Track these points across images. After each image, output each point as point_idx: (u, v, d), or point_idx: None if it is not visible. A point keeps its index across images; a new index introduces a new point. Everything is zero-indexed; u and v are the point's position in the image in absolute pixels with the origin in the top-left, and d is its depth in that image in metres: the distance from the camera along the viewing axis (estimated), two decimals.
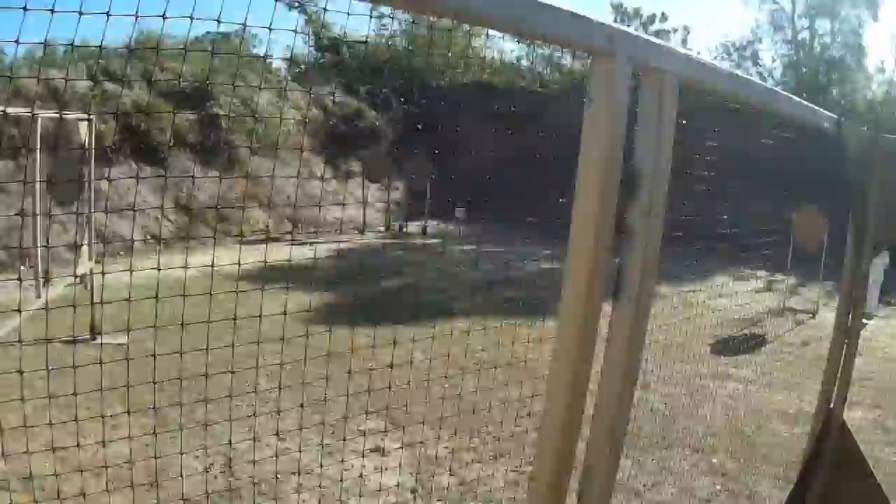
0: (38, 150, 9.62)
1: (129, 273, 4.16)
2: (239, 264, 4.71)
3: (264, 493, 6.16)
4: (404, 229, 23.90)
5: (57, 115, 10.48)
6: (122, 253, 15.95)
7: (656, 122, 1.78)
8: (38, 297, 9.44)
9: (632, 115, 1.75)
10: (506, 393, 6.43)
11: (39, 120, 9.44)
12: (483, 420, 6.77)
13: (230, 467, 6.74)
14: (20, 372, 4.54)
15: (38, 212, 9.66)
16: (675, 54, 1.86)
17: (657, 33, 34.80)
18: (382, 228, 23.91)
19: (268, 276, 4.94)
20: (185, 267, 4.31)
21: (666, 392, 8.60)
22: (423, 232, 23.12)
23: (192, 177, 19.36)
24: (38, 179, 9.67)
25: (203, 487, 5.77)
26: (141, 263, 5.33)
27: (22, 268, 10.15)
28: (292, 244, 17.24)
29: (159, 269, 4.74)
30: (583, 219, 1.69)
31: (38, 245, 10.58)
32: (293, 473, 6.40)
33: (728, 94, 2.17)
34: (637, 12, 37.44)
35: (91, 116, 9.97)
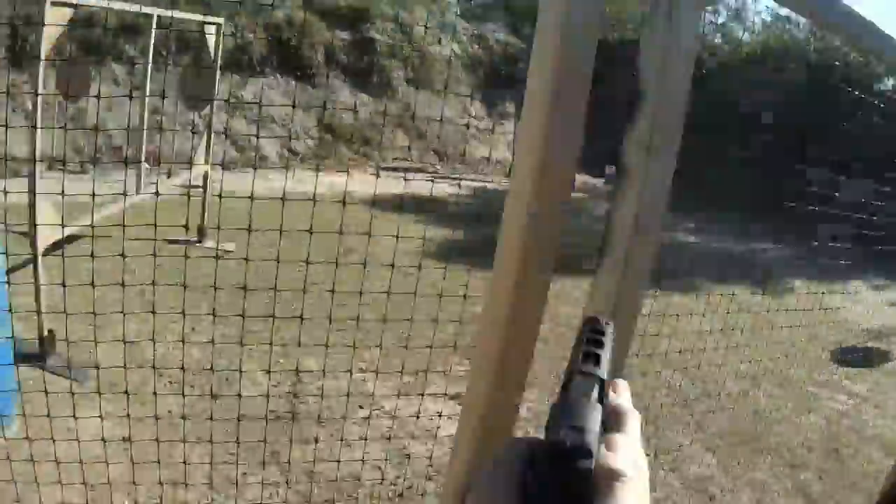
0: (151, 52, 9.54)
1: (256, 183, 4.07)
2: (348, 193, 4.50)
3: (323, 423, 6.00)
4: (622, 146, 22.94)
5: (182, 17, 10.38)
6: (255, 165, 16.01)
7: (665, 13, 1.25)
8: (138, 192, 9.43)
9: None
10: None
11: (155, 19, 9.34)
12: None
13: (294, 393, 6.62)
14: (122, 255, 4.51)
15: (145, 113, 9.62)
16: None
17: None
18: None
19: (404, 205, 4.72)
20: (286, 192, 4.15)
21: (773, 393, 8.21)
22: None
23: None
24: (147, 82, 9.62)
25: (263, 406, 5.66)
26: (276, 176, 5.26)
27: (145, 164, 10.16)
28: (434, 178, 17.10)
29: (284, 199, 4.61)
30: (518, 181, 1.20)
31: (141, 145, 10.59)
32: (360, 407, 6.26)
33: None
34: None
35: (219, 21, 9.88)
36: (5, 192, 4.56)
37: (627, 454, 0.74)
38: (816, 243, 7.83)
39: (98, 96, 6.29)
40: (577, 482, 0.67)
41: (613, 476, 0.70)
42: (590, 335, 0.87)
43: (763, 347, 7.31)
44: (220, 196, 4.49)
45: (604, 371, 0.81)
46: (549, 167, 1.16)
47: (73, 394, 4.52)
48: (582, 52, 1.15)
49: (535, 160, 1.15)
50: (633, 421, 0.81)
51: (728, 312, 6.92)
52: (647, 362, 6.78)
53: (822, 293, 9.05)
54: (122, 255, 4.55)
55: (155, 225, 4.36)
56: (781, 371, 8.38)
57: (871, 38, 1.93)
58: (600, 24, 1.14)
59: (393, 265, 4.20)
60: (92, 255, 4.47)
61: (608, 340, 0.86)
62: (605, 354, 0.84)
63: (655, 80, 1.27)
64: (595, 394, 0.77)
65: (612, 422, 0.79)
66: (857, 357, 10.41)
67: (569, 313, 7.49)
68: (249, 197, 4.23)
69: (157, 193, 6.42)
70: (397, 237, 4.31)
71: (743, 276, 11.70)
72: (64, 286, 4.56)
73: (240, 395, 4.74)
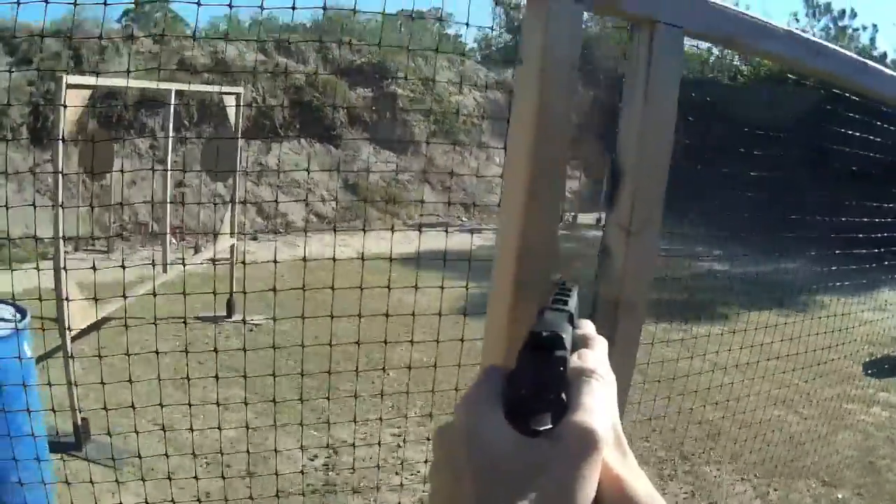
0: (171, 127, 9.57)
1: (282, 251, 4.03)
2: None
3: (359, 491, 5.94)
4: (576, 220, 23.21)
5: (201, 89, 10.44)
6: (281, 231, 16.04)
7: (642, 92, 1.23)
8: (164, 271, 9.42)
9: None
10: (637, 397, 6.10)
11: (174, 94, 9.37)
12: None
13: (330, 465, 6.56)
14: (155, 350, 4.49)
15: (167, 193, 9.63)
16: None
17: (842, 29, 33.51)
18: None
19: (430, 262, 4.70)
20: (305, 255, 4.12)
21: (807, 414, 8.13)
22: (597, 223, 22.49)
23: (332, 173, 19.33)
24: (168, 155, 9.64)
25: (301, 480, 5.61)
26: (302, 242, 5.25)
27: (171, 240, 10.17)
28: (460, 230, 17.09)
29: (305, 260, 4.57)
30: (504, 243, 1.20)
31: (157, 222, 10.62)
32: (396, 473, 6.19)
33: (759, 52, 1.65)
34: (828, 7, 35.98)
35: (238, 90, 9.90)
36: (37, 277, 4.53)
37: (597, 361, 0.82)
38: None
39: (122, 171, 6.31)
40: (554, 370, 0.75)
41: (585, 372, 0.78)
42: (558, 290, 0.96)
43: (795, 369, 7.24)
44: (243, 263, 4.44)
45: (571, 308, 0.89)
46: (533, 211, 1.16)
47: (117, 482, 4.47)
48: (559, 103, 1.14)
49: (522, 197, 1.16)
50: (601, 343, 0.89)
51: (761, 342, 6.85)
52: (678, 396, 6.70)
53: (851, 307, 8.98)
54: (155, 350, 4.51)
55: (185, 301, 4.33)
56: (816, 391, 8.35)
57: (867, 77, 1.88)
58: (574, 76, 1.14)
59: (438, 337, 4.15)
60: (127, 353, 4.42)
61: (574, 294, 0.96)
62: (573, 300, 0.93)
63: (635, 159, 1.26)
64: (565, 320, 0.84)
65: (582, 343, 0.87)
66: (889, 367, 10.41)
67: None
68: (273, 261, 4.16)
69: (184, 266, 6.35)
70: (441, 298, 4.26)
71: (772, 299, 11.67)
72: (102, 381, 4.52)
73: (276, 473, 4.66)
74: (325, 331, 4.47)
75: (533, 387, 0.75)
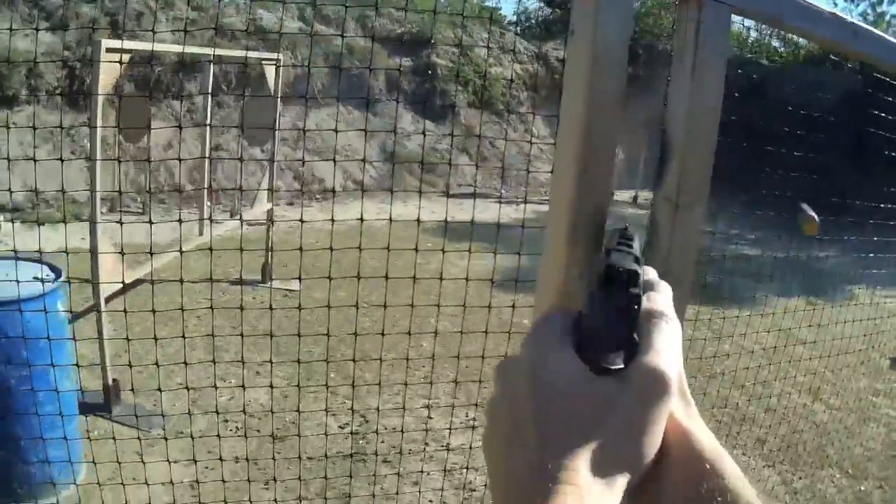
0: (210, 92, 9.56)
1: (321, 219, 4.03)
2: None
3: (389, 461, 5.92)
4: (614, 196, 22.96)
5: (240, 54, 10.39)
6: (318, 197, 16.05)
7: (689, 69, 1.21)
8: (200, 233, 9.42)
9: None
10: None
11: (213, 58, 9.34)
12: None
13: (355, 432, 6.54)
14: (182, 310, 4.48)
15: (206, 150, 9.60)
16: None
17: (881, 15, 33.15)
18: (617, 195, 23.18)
19: (467, 232, 4.67)
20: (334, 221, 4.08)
21: (834, 405, 8.06)
22: (633, 201, 22.43)
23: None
24: (208, 121, 9.62)
25: (330, 446, 5.59)
26: (340, 208, 5.24)
27: (207, 203, 10.16)
28: (500, 201, 17.01)
29: (332, 221, 4.54)
30: (555, 215, 1.17)
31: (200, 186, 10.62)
32: (426, 444, 6.15)
33: (804, 32, 1.62)
34: None
35: (278, 56, 9.86)
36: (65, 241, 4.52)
37: (665, 304, 0.81)
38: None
39: (149, 127, 6.26)
40: (629, 307, 0.74)
41: (655, 314, 0.77)
42: (620, 236, 0.92)
43: (823, 358, 7.20)
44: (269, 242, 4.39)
45: (637, 252, 0.85)
46: (587, 174, 1.14)
47: (140, 452, 4.46)
48: (612, 76, 1.13)
49: (573, 174, 1.14)
50: (667, 288, 0.88)
51: (789, 327, 6.81)
52: (708, 382, 6.68)
53: (883, 299, 8.87)
54: (181, 309, 4.49)
55: (210, 272, 4.30)
56: (843, 382, 8.35)
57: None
58: (625, 51, 1.13)
59: (464, 304, 4.10)
60: (153, 311, 4.39)
61: (637, 240, 0.92)
62: (636, 245, 0.89)
63: (682, 135, 1.24)
64: (634, 261, 0.80)
65: (648, 288, 0.84)
66: None
67: None
68: (300, 248, 4.11)
69: (208, 244, 6.32)
70: (467, 276, 4.20)
71: (804, 286, 11.64)
72: (128, 340, 4.50)
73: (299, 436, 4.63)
74: (359, 299, 4.45)
75: (606, 323, 0.74)
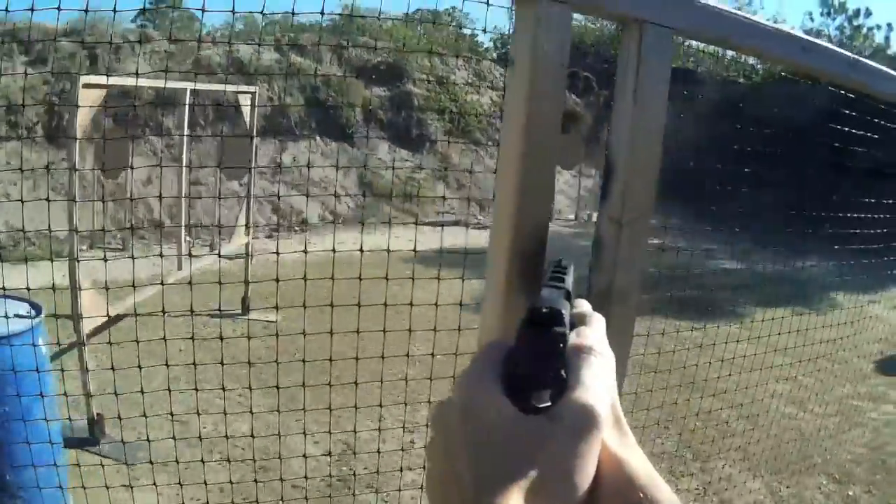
0: (186, 126, 9.63)
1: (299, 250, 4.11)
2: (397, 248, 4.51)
3: (371, 487, 5.98)
4: (593, 219, 22.95)
5: (215, 88, 10.48)
6: (297, 229, 16.08)
7: (632, 91, 1.26)
8: (179, 268, 9.47)
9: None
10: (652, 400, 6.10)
11: (188, 93, 9.41)
12: None
13: (338, 459, 6.59)
14: (165, 339, 4.54)
15: (182, 192, 9.67)
16: None
17: (857, 28, 33.41)
18: (572, 217, 23.32)
19: (444, 260, 4.74)
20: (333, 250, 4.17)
21: (818, 411, 8.07)
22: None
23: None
24: (183, 156, 9.69)
25: (313, 474, 5.63)
26: (319, 240, 5.33)
27: (187, 238, 10.22)
28: (468, 227, 17.05)
29: (306, 252, 4.63)
30: (497, 237, 1.21)
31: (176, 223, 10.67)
32: (409, 469, 6.20)
33: (749, 50, 1.67)
34: (843, 6, 35.77)
35: (253, 89, 9.93)
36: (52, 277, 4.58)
37: (595, 338, 0.83)
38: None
39: (131, 167, 6.35)
40: (554, 346, 0.76)
41: (584, 349, 0.79)
42: (554, 268, 0.96)
43: (807, 367, 7.26)
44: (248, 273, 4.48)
45: (569, 286, 0.90)
46: (526, 194, 1.19)
47: (130, 485, 4.51)
48: (550, 102, 1.18)
49: (513, 192, 1.19)
50: (599, 320, 0.90)
51: (770, 336, 6.86)
52: (691, 393, 6.76)
53: (864, 305, 8.95)
54: (164, 339, 4.56)
55: (191, 305, 4.38)
56: (828, 389, 8.32)
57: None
58: (563, 77, 1.18)
59: (434, 329, 4.18)
60: (137, 341, 4.47)
61: (570, 272, 0.97)
62: (569, 278, 0.94)
63: (625, 155, 1.29)
64: (563, 297, 0.85)
65: (580, 321, 0.88)
66: None
67: None
68: (276, 280, 4.20)
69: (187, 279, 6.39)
70: (437, 302, 4.28)
71: (786, 297, 11.58)
72: (113, 369, 4.58)
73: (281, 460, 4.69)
74: (338, 328, 4.52)
75: (532, 363, 0.76)
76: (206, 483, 4.72)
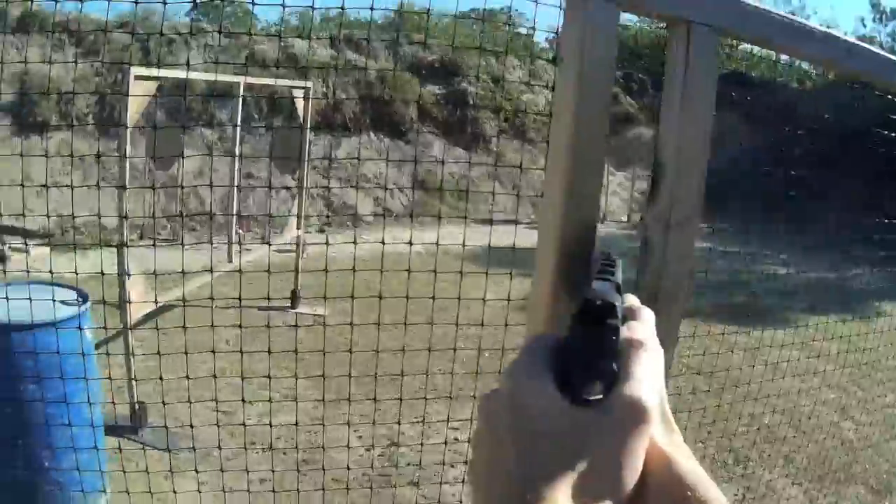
0: (239, 119, 9.67)
1: (351, 244, 4.13)
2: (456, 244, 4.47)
3: (414, 483, 5.94)
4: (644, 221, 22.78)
5: (269, 82, 10.51)
6: (349, 224, 16.12)
7: (680, 91, 1.25)
8: (230, 260, 9.51)
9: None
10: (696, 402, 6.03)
11: (242, 86, 9.44)
12: None
13: (381, 454, 6.57)
14: (212, 326, 4.55)
15: (236, 177, 9.69)
16: None
17: None
18: (624, 218, 23.22)
19: (493, 257, 4.73)
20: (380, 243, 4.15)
21: (861, 420, 7.99)
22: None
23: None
24: (237, 149, 9.73)
25: (357, 468, 5.62)
26: (371, 236, 5.35)
27: (239, 231, 10.26)
28: (517, 225, 16.98)
29: (355, 243, 4.61)
30: (544, 237, 1.22)
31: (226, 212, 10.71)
32: (452, 466, 6.16)
33: (795, 52, 1.63)
34: (895, 12, 35.37)
35: (307, 85, 9.94)
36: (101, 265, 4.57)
37: (646, 332, 0.82)
38: None
39: (183, 156, 6.35)
40: (607, 339, 0.75)
41: (635, 343, 0.77)
42: (603, 262, 0.95)
43: (853, 375, 7.17)
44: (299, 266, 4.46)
45: (618, 279, 0.90)
46: (575, 195, 1.19)
47: (170, 471, 4.51)
48: (598, 101, 1.18)
49: (561, 192, 1.19)
50: (649, 315, 0.89)
51: (816, 343, 6.79)
52: (738, 401, 6.63)
53: None
54: (212, 326, 4.56)
55: (239, 294, 4.36)
56: (873, 398, 8.22)
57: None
58: (611, 77, 1.18)
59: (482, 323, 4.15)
60: (184, 327, 4.46)
61: (619, 266, 0.97)
62: (618, 272, 0.93)
63: (674, 158, 1.28)
64: (614, 290, 0.82)
65: (629, 316, 0.86)
66: None
67: None
68: (325, 269, 4.17)
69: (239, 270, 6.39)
70: (484, 297, 4.24)
71: (835, 304, 11.53)
72: (159, 354, 4.57)
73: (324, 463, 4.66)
74: (386, 323, 4.51)
75: (585, 355, 0.75)
76: (247, 471, 4.68)
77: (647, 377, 0.74)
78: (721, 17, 1.28)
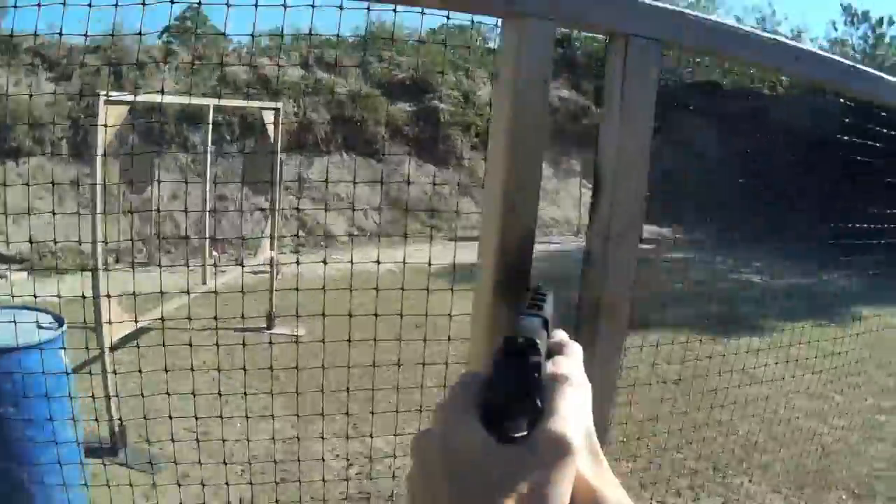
0: (209, 141, 9.72)
1: (321, 264, 4.21)
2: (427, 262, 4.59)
3: (391, 500, 6.01)
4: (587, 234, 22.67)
5: (244, 104, 10.59)
6: (323, 244, 16.13)
7: (618, 104, 1.27)
8: (204, 282, 9.57)
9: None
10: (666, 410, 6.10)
11: (211, 109, 9.51)
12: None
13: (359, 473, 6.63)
14: (190, 345, 4.62)
15: (207, 206, 9.75)
16: (627, 7, 1.29)
17: (880, 37, 33.33)
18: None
19: (459, 274, 4.82)
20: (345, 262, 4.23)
21: (839, 425, 7.96)
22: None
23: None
24: (207, 171, 9.79)
25: (335, 488, 5.68)
26: (345, 255, 5.39)
27: (214, 253, 10.32)
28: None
29: (325, 263, 4.71)
30: (484, 250, 1.26)
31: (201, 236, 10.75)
32: None
33: (739, 60, 1.66)
34: (866, 15, 35.57)
35: (277, 106, 10.00)
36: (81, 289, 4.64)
37: (571, 367, 0.85)
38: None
39: (158, 180, 6.43)
40: (529, 376, 0.76)
41: (559, 378, 0.81)
42: (533, 295, 0.99)
43: (830, 381, 7.22)
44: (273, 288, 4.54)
45: (547, 314, 0.92)
46: (512, 205, 1.23)
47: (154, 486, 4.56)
48: (533, 114, 1.22)
49: (499, 204, 1.23)
50: (575, 350, 0.91)
51: (792, 350, 6.83)
52: (713, 408, 6.68)
53: (886, 318, 8.89)
54: (190, 344, 4.63)
55: (215, 315, 4.44)
56: (849, 403, 8.24)
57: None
58: (546, 91, 1.21)
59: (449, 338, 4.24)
60: (164, 345, 4.55)
61: (549, 299, 0.99)
62: (548, 306, 0.96)
63: (612, 171, 1.30)
64: (540, 326, 0.87)
65: (556, 350, 0.90)
66: None
67: None
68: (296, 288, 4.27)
69: (215, 292, 6.45)
70: (451, 313, 4.33)
71: (810, 310, 11.56)
72: (140, 372, 4.64)
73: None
74: (363, 341, 4.57)
75: (508, 392, 0.77)
76: (227, 484, 4.76)
77: (571, 412, 0.77)
78: (660, 29, 1.29)
